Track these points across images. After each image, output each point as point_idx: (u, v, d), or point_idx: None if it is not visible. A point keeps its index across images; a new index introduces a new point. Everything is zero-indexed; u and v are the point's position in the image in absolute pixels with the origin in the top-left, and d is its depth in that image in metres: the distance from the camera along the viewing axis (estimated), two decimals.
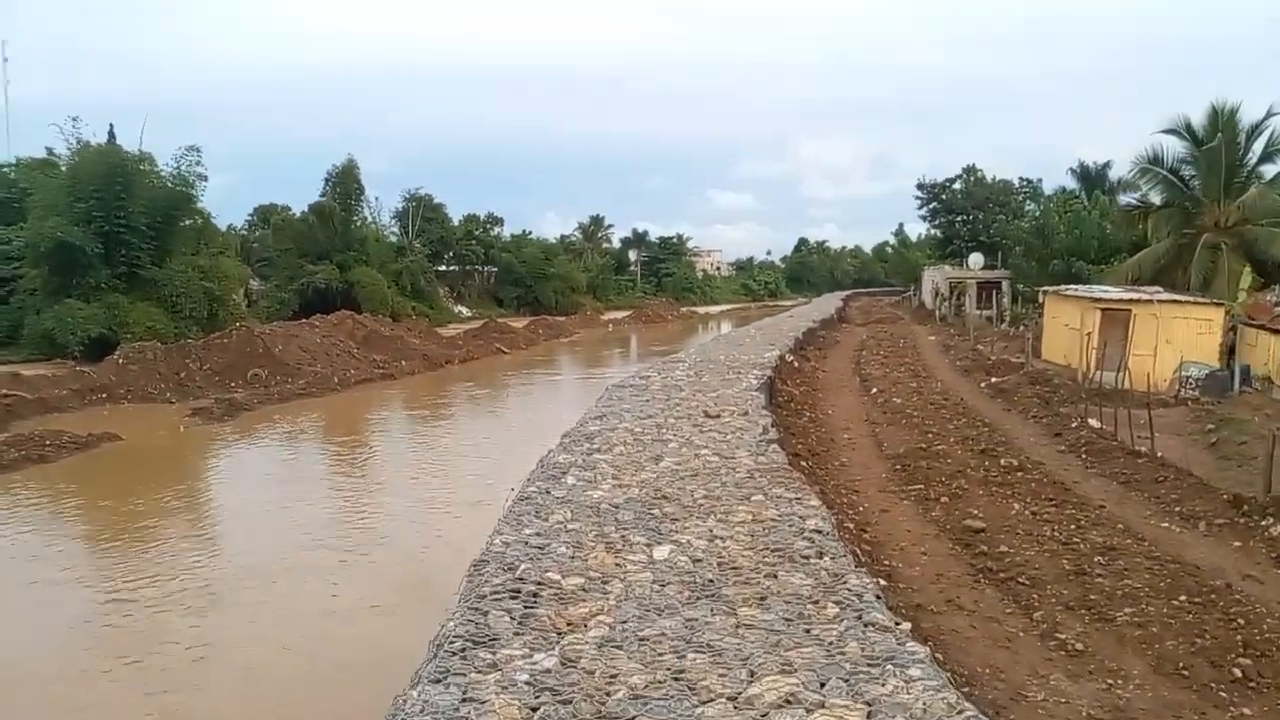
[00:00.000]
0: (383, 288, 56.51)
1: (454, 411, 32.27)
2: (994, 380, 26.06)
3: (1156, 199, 38.50)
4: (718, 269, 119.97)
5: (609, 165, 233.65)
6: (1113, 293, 31.63)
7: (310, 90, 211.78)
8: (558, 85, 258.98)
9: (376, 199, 67.44)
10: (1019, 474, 15.39)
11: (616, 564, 7.57)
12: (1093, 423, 21.71)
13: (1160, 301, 29.59)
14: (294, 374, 36.04)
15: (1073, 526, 12.62)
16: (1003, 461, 16.14)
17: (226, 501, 19.17)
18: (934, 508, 13.59)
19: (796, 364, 25.97)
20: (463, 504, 17.15)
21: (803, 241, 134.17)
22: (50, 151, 50.11)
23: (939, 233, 65.83)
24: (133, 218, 41.32)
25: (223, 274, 47.73)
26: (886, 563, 11.27)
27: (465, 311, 66.34)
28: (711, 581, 7.17)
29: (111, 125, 49.66)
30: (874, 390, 23.93)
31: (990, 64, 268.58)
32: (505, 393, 36.89)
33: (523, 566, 7.32)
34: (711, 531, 8.48)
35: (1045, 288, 35.19)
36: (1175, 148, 36.48)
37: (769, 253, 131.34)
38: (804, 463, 14.55)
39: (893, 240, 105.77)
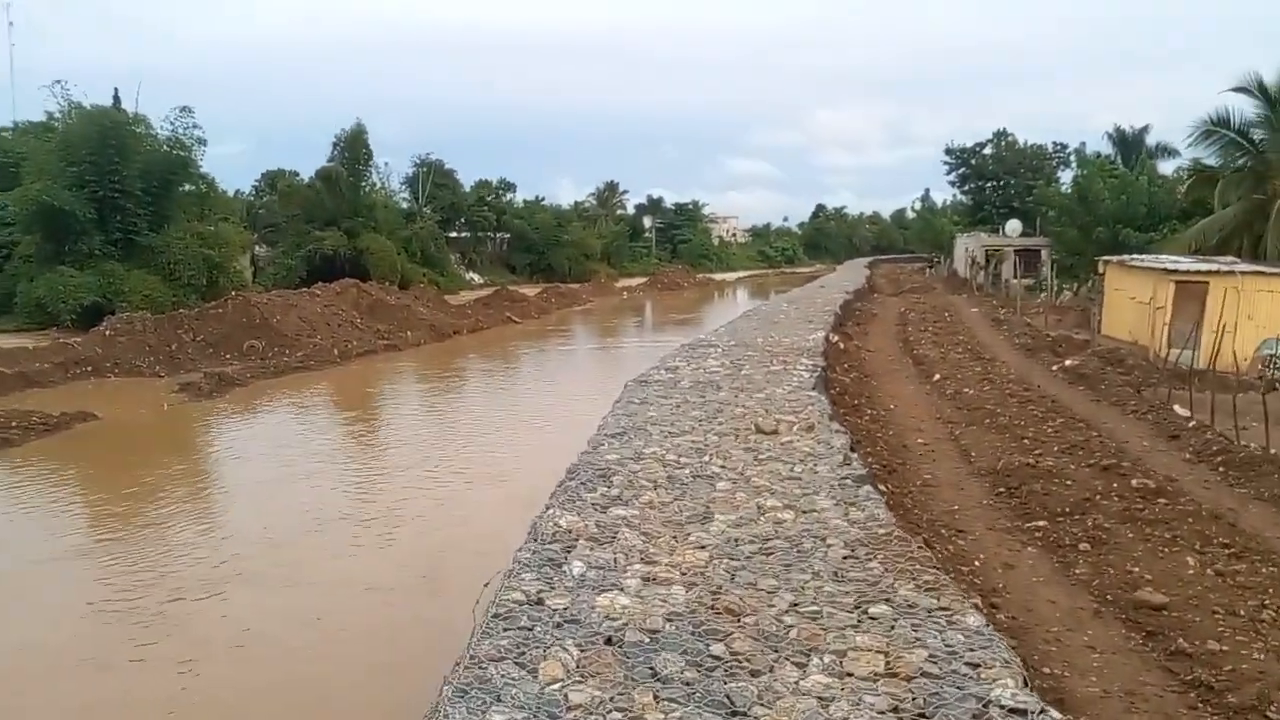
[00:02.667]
0: (392, 254, 52.81)
1: (458, 386, 28.47)
2: (1067, 363, 21.95)
3: (1217, 162, 34.28)
4: (734, 235, 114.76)
5: (625, 133, 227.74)
6: (1185, 263, 27.49)
7: (323, 58, 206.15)
8: (573, 52, 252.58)
9: (385, 165, 63.68)
10: (1162, 503, 11.35)
11: None
12: (1179, 410, 17.87)
13: (1242, 273, 25.46)
14: (293, 345, 32.79)
15: None
16: (1135, 483, 12.07)
17: (208, 485, 16.68)
18: (1075, 561, 9.58)
19: (841, 344, 21.89)
20: (474, 482, 15.17)
21: (820, 208, 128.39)
22: (50, 116, 46.57)
23: (969, 199, 61.25)
24: (127, 182, 38.51)
25: (224, 241, 44.46)
26: (1047, 670, 7.31)
27: (477, 279, 62.32)
28: None
29: (116, 90, 46.10)
30: (936, 377, 19.85)
31: (1011, 30, 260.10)
32: (515, 367, 32.94)
33: None
34: (826, 711, 4.53)
35: (1107, 257, 30.96)
36: (1244, 108, 32.25)
37: (786, 219, 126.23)
38: (883, 487, 10.66)
39: (916, 206, 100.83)
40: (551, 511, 7.47)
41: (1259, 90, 31.65)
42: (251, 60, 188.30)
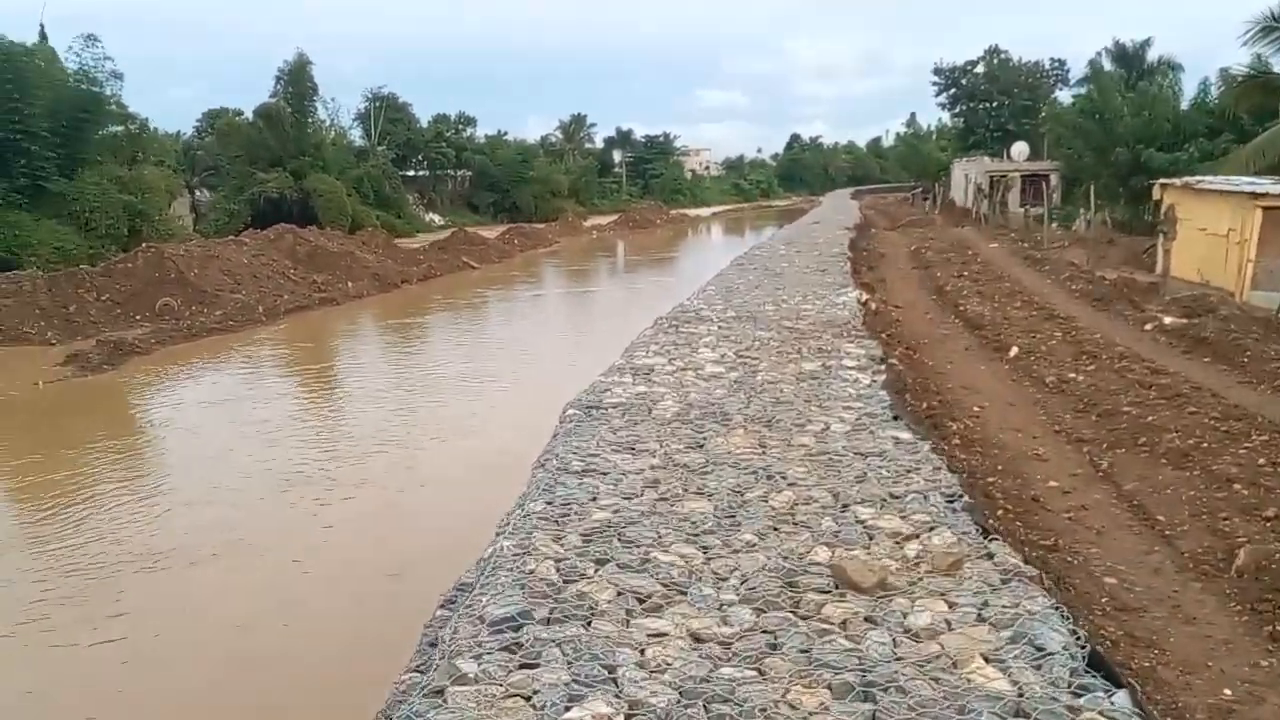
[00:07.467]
0: (341, 196, 45.79)
1: (387, 354, 22.01)
2: (1167, 321, 15.71)
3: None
4: (707, 169, 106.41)
5: (594, 65, 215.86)
6: (1265, 185, 21.19)
7: None
8: None
9: (334, 100, 55.96)
10: None
11: None
12: None
13: None
14: (213, 302, 26.57)
15: None
16: None
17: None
18: None
19: (874, 305, 15.42)
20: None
21: (795, 138, 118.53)
22: None
23: (960, 122, 53.85)
24: (31, 121, 31.29)
25: (146, 186, 37.34)
26: None
27: (438, 220, 54.94)
28: None
29: (42, 26, 37.75)
30: (1013, 351, 13.53)
31: None
32: (459, 329, 26.36)
33: None
34: None
35: (1165, 180, 24.53)
36: None
37: (759, 150, 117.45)
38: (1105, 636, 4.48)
39: (900, 132, 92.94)
40: None
41: None
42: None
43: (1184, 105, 36.70)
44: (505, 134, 71.37)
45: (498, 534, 5.52)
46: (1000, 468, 8.86)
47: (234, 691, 6.52)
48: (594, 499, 5.95)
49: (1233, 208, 20.60)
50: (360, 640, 6.84)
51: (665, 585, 4.62)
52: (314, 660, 6.78)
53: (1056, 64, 51.26)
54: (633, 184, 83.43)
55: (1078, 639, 4.03)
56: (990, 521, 6.72)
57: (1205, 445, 9.08)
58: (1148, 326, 15.75)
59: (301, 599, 7.98)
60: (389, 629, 6.40)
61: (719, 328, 12.37)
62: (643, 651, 4.00)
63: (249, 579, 8.48)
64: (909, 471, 6.42)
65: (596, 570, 4.81)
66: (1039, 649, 3.92)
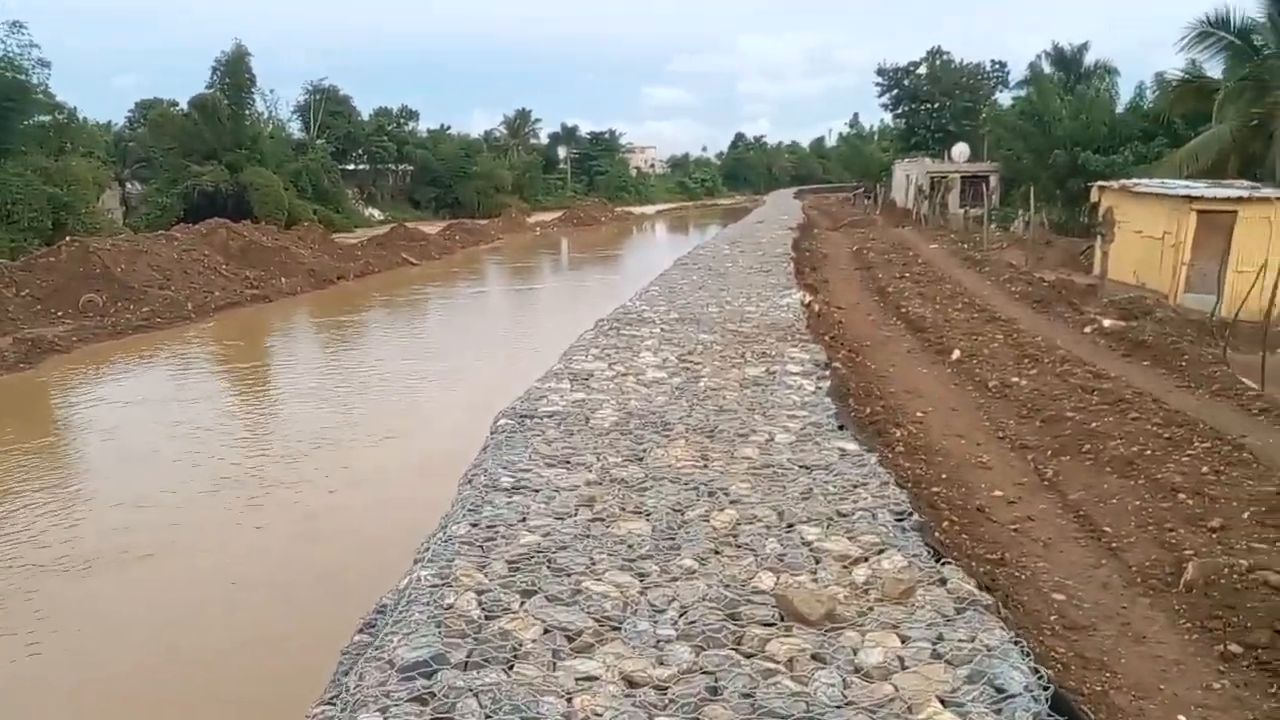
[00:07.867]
0: (278, 189, 44.53)
1: (329, 349, 21.58)
2: (1106, 324, 15.74)
3: (1217, 72, 28.11)
4: (652, 166, 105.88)
5: (539, 60, 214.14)
6: (1199, 188, 21.53)
7: None
8: None
9: (272, 92, 54.43)
10: None
11: None
12: (1246, 382, 12.03)
13: (1277, 200, 19.61)
14: (139, 299, 25.79)
15: None
16: None
17: None
18: None
19: (815, 306, 15.22)
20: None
21: (739, 137, 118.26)
22: None
23: (904, 122, 54.07)
24: None
25: (73, 177, 36.00)
26: None
27: (378, 215, 53.71)
28: None
29: None
30: (955, 354, 13.40)
31: None
32: (402, 322, 25.73)
33: None
34: None
35: (1104, 183, 24.80)
36: (1247, 7, 26.08)
37: (704, 149, 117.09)
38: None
39: (843, 132, 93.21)
40: None
41: None
42: None
43: (1120, 109, 37.36)
44: (448, 128, 70.32)
45: (416, 561, 5.09)
46: (945, 476, 8.65)
47: (168, 693, 6.41)
48: (524, 519, 5.53)
49: (1168, 211, 20.88)
50: (291, 647, 6.71)
51: (598, 620, 4.22)
52: (246, 663, 6.71)
53: (997, 66, 51.85)
54: (578, 181, 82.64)
55: (1040, 678, 3.74)
56: (939, 536, 6.48)
57: (1149, 452, 8.96)
58: (1087, 329, 15.75)
59: (233, 604, 7.80)
60: (320, 634, 6.15)
61: (661, 330, 12.01)
62: (570, 700, 3.62)
63: (179, 583, 8.27)
64: (856, 486, 6.12)
65: (522, 603, 4.40)
66: (999, 690, 3.63)
